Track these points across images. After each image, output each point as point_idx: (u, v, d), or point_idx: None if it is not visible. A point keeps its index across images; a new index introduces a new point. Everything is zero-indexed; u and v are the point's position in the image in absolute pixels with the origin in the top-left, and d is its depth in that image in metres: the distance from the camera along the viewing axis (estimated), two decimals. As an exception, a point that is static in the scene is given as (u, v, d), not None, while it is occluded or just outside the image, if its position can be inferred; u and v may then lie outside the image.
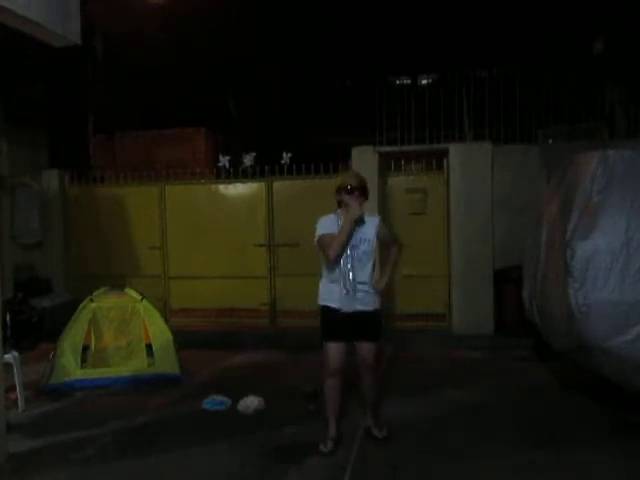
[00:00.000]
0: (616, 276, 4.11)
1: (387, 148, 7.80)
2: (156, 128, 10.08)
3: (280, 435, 4.29)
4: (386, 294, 7.46)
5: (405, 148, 7.78)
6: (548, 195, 5.53)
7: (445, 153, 7.48)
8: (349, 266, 3.87)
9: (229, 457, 3.96)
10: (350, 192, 3.90)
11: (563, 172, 5.14)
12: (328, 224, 3.94)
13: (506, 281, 7.09)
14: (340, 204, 3.97)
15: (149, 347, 5.66)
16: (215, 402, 4.92)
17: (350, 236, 3.85)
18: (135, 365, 5.57)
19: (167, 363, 5.56)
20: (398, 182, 7.77)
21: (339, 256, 3.86)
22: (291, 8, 10.50)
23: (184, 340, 6.00)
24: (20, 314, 6.81)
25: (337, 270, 3.91)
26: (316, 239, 3.97)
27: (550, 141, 7.86)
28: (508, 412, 4.67)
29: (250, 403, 4.78)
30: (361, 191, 3.93)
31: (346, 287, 3.86)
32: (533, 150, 7.42)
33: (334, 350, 3.94)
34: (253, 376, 5.82)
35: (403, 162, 7.71)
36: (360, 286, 3.89)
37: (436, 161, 7.68)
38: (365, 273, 3.92)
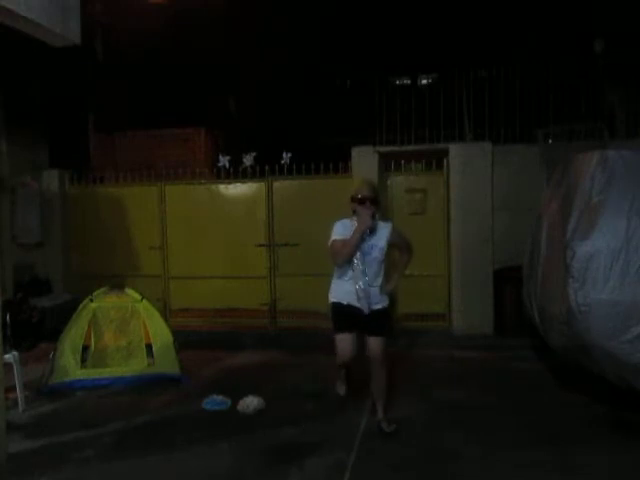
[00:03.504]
0: (616, 276, 4.10)
1: (387, 148, 7.80)
2: (156, 128, 10.08)
3: (280, 435, 4.29)
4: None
5: (405, 148, 7.78)
6: (548, 195, 5.53)
7: (445, 153, 7.48)
8: (360, 272, 4.09)
9: (229, 457, 3.96)
10: (361, 202, 4.10)
11: (563, 172, 5.14)
12: (342, 229, 4.15)
13: (506, 281, 7.09)
14: (354, 212, 4.17)
15: (149, 347, 5.65)
16: (215, 402, 4.91)
17: (360, 244, 4.07)
18: (135, 365, 5.57)
19: (167, 363, 5.56)
20: (398, 182, 7.77)
21: (347, 262, 4.11)
22: (291, 8, 10.51)
23: (184, 340, 5.99)
24: (20, 314, 6.80)
25: (348, 272, 4.15)
26: (330, 242, 4.19)
27: (550, 141, 7.85)
28: (508, 412, 4.67)
29: (250, 403, 4.78)
30: (372, 201, 4.10)
31: (357, 291, 4.10)
32: (533, 150, 7.41)
33: (345, 341, 4.18)
34: (253, 376, 5.81)
35: (403, 162, 7.71)
36: (369, 289, 4.12)
37: (436, 161, 7.69)
38: (374, 277, 4.17)
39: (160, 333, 5.68)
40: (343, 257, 4.07)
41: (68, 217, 8.48)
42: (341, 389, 4.76)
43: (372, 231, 4.12)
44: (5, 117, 7.76)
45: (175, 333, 5.78)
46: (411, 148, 7.78)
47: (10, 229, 7.88)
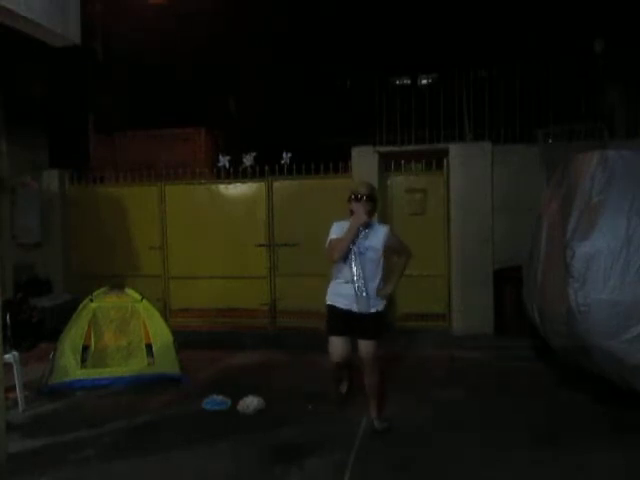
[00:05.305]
0: (616, 276, 4.11)
1: (387, 148, 7.80)
2: (156, 128, 10.08)
3: (280, 435, 4.29)
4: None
5: (405, 148, 7.78)
6: (548, 195, 5.53)
7: (445, 153, 7.48)
8: (355, 272, 4.12)
9: (229, 457, 3.96)
10: (357, 200, 4.17)
11: (563, 172, 5.14)
12: (339, 229, 4.22)
13: (506, 281, 7.09)
14: (352, 212, 4.20)
15: (149, 347, 5.65)
16: (215, 402, 4.92)
17: (354, 240, 4.12)
18: (135, 365, 5.57)
19: (167, 363, 5.56)
20: (398, 182, 7.76)
21: (343, 258, 4.15)
22: (291, 8, 10.51)
23: (184, 340, 5.99)
24: (20, 314, 6.80)
25: (345, 274, 4.19)
26: (327, 242, 4.26)
27: (550, 141, 7.85)
28: (508, 412, 4.67)
29: (250, 403, 4.78)
30: (368, 198, 4.17)
31: (352, 291, 4.14)
32: (533, 150, 7.41)
33: (336, 343, 4.28)
34: (253, 376, 5.82)
35: (403, 162, 7.71)
36: (364, 291, 4.14)
37: (436, 161, 7.68)
38: (370, 279, 4.17)
39: (160, 333, 5.68)
40: (338, 252, 4.12)
41: (68, 217, 8.47)
42: (343, 387, 4.86)
43: (367, 227, 4.15)
44: (5, 117, 7.76)
45: (175, 333, 5.78)
46: (411, 148, 7.77)
47: (10, 229, 7.88)
